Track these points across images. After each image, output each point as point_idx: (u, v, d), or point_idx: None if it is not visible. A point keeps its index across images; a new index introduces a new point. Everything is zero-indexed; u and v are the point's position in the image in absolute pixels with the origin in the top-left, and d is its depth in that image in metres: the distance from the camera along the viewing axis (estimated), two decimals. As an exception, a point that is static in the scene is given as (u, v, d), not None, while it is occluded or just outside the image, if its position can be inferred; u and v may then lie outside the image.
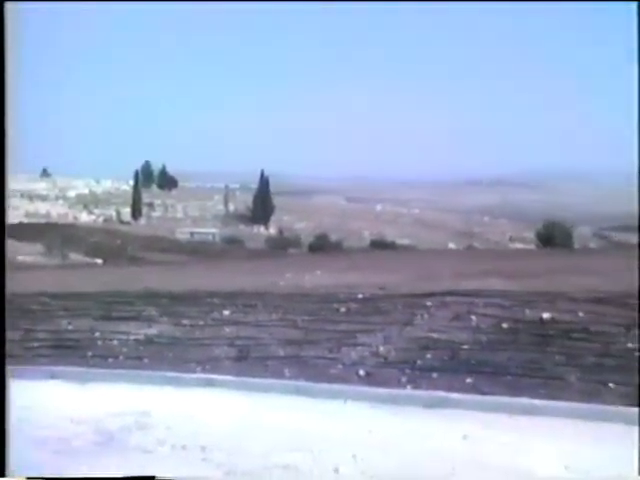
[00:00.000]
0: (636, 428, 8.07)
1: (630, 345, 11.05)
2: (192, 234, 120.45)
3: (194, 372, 11.23)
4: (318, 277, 19.63)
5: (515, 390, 9.34)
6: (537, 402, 8.90)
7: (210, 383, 10.64)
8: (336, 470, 7.12)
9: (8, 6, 5.88)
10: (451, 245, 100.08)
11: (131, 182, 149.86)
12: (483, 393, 9.34)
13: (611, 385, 9.38)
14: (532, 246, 56.52)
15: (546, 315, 12.62)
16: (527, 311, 13.00)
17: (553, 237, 42.40)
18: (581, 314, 12.65)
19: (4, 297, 6.31)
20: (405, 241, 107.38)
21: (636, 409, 8.62)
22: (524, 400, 8.99)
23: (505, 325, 12.39)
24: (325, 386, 10.04)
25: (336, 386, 10.03)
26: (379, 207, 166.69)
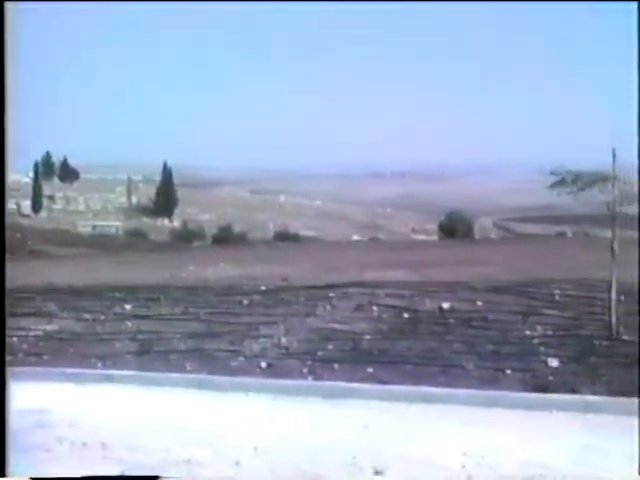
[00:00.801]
0: (530, 412, 8.32)
1: (527, 332, 11.34)
2: (94, 227, 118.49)
3: (95, 368, 11.09)
4: (221, 269, 19.58)
5: (414, 379, 9.49)
6: (435, 390, 9.06)
7: (111, 379, 10.53)
8: (237, 463, 7.11)
9: (8, 6, 5.84)
10: (355, 237, 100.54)
11: (31, 174, 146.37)
12: (383, 382, 9.46)
13: (508, 372, 9.62)
14: (435, 237, 57.32)
15: (446, 305, 12.85)
16: (427, 301, 13.21)
17: (455, 228, 43.12)
18: (480, 303, 12.93)
19: (4, 299, 6.18)
20: (309, 233, 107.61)
21: (524, 394, 8.90)
22: (423, 388, 9.14)
23: (406, 315, 12.57)
24: (227, 379, 10.04)
25: (238, 379, 10.03)
26: (282, 198, 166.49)
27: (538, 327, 11.57)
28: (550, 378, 9.34)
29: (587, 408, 8.43)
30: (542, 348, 10.54)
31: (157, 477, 6.57)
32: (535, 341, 10.95)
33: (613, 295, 11.20)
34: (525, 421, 8.19)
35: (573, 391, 8.89)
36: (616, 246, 11.13)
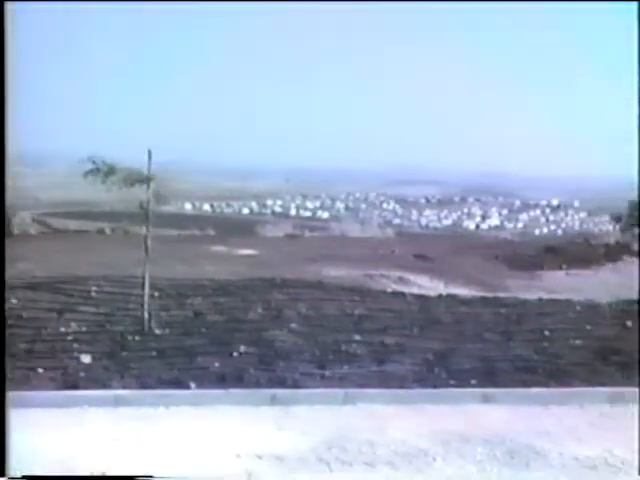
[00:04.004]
0: (61, 410, 8.40)
1: (62, 329, 11.38)
2: None
3: None
4: None
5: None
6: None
7: None
8: None
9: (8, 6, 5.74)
10: None
11: None
12: None
13: (40, 370, 9.53)
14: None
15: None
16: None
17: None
18: (14, 301, 12.64)
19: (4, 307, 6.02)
20: None
21: (54, 392, 8.94)
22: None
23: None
24: None
25: None
26: None
27: (73, 324, 11.67)
28: (82, 374, 9.46)
29: (117, 402, 8.73)
30: (76, 345, 10.65)
31: (151, 477, 6.19)
32: (69, 338, 11.03)
33: (146, 291, 11.65)
34: (54, 420, 8.22)
35: (104, 386, 9.12)
36: (149, 243, 11.58)
